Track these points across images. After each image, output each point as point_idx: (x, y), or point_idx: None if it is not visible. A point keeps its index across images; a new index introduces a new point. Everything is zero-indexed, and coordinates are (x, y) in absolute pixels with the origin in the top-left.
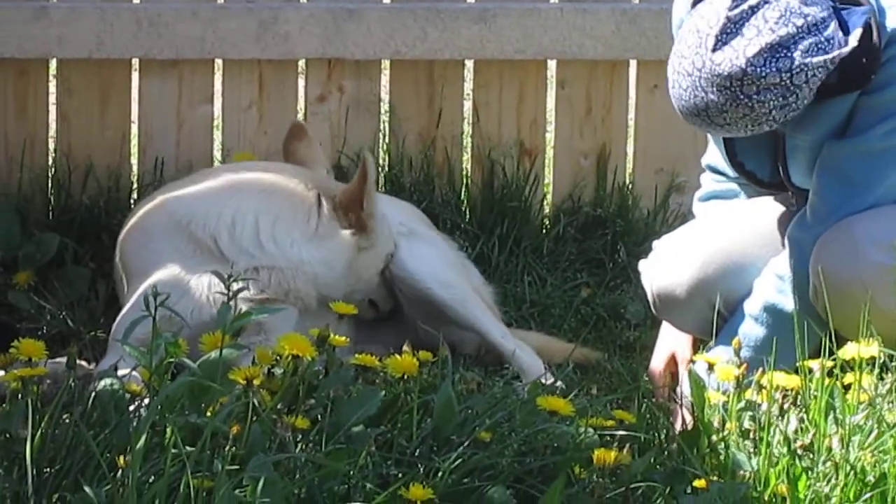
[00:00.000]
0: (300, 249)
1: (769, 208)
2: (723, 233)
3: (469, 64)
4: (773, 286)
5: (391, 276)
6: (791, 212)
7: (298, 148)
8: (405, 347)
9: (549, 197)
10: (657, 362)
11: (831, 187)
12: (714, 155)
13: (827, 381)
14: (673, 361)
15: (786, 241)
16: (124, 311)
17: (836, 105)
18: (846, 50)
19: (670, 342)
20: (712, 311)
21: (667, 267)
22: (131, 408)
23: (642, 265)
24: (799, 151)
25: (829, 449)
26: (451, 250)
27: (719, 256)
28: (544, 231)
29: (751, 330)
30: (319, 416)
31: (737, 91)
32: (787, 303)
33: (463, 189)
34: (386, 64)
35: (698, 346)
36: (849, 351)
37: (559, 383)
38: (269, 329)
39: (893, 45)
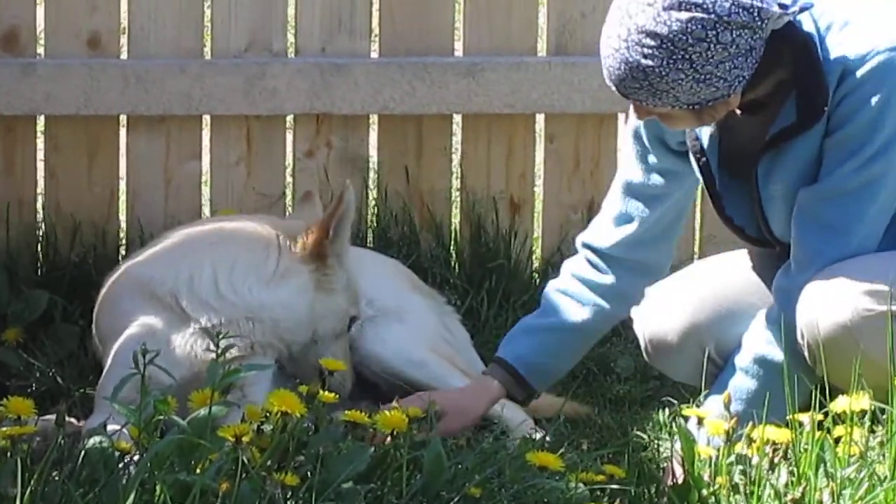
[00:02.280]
0: (259, 293)
1: (761, 257)
2: (715, 279)
3: (457, 118)
4: (762, 338)
5: (360, 360)
6: (781, 260)
7: (303, 209)
8: (394, 404)
9: (537, 251)
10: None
11: (810, 234)
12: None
13: (817, 434)
14: None
15: (772, 292)
16: (105, 371)
17: (800, 148)
18: (775, 10)
19: None
20: (704, 358)
21: (659, 312)
22: (120, 465)
23: (634, 312)
24: (775, 202)
25: (820, 502)
26: (428, 315)
27: (711, 302)
28: (534, 285)
29: (742, 383)
30: (309, 473)
31: (669, 48)
32: (777, 354)
33: (451, 244)
34: (374, 119)
35: None
36: (839, 404)
37: (548, 438)
38: (244, 385)
39: (845, 82)
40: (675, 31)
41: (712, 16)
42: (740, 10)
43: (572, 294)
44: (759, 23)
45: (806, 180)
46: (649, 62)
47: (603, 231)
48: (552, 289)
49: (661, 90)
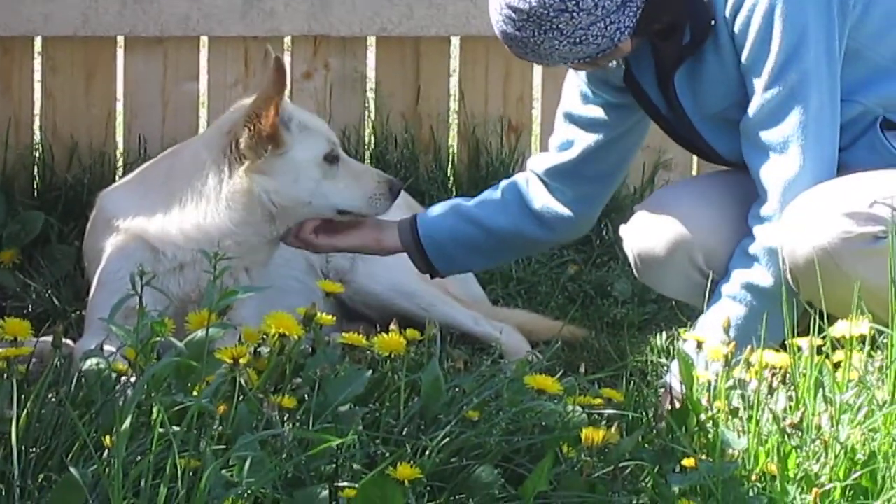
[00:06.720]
0: (213, 219)
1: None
2: (700, 191)
3: (455, 41)
4: (745, 265)
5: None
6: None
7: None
8: (392, 326)
9: None
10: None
11: (760, 162)
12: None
13: (816, 358)
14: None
15: (748, 221)
16: (91, 293)
17: (711, 68)
18: None
19: None
20: (694, 270)
21: (646, 226)
22: (117, 387)
23: (623, 229)
24: (707, 124)
25: (819, 427)
26: None
27: (697, 213)
28: None
29: (731, 310)
30: (306, 396)
31: (535, 21)
32: (763, 280)
33: (449, 166)
34: (372, 41)
35: None
36: (838, 328)
37: (545, 361)
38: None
39: (731, 3)
40: (535, 7)
41: (579, 6)
42: None
43: (506, 199)
44: None
45: (727, 101)
46: (522, 34)
47: (545, 157)
48: (499, 185)
49: (543, 54)
